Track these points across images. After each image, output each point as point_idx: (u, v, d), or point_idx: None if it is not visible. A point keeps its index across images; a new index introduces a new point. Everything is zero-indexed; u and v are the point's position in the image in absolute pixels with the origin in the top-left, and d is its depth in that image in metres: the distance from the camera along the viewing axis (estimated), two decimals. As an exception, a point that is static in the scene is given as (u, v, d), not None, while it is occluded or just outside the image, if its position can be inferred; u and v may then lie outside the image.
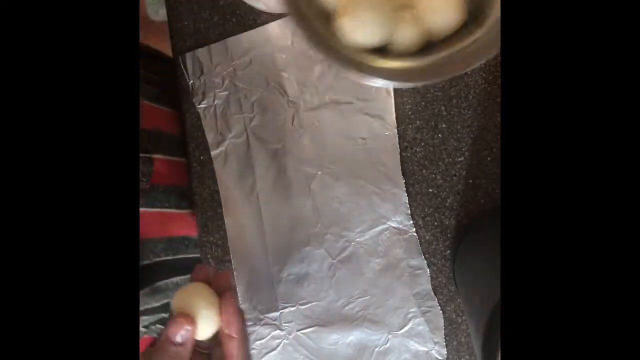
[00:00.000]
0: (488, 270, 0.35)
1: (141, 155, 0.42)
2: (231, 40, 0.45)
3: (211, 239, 0.47)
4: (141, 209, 0.43)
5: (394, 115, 0.44)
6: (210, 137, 0.46)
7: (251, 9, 0.45)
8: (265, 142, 0.45)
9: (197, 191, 0.47)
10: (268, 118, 0.45)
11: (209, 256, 0.47)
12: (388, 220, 0.44)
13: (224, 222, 0.47)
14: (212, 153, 0.46)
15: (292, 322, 0.46)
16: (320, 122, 0.45)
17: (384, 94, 0.44)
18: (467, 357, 0.44)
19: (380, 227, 0.45)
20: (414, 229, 0.44)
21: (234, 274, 0.46)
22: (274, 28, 0.45)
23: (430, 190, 0.44)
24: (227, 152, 0.46)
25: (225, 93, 0.45)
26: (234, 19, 0.46)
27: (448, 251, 0.44)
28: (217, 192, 0.47)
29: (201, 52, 0.45)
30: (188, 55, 0.46)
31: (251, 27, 0.45)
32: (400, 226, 0.44)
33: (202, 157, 0.47)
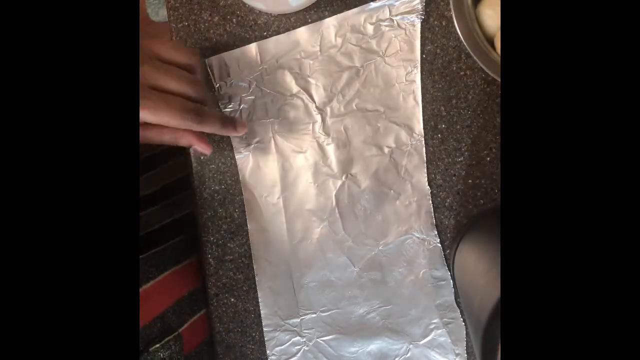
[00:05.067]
0: (488, 270, 0.36)
1: (171, 337, 0.43)
2: (259, 44, 0.45)
3: (211, 239, 0.47)
4: None
5: (422, 124, 0.43)
6: (235, 141, 0.46)
7: (251, 9, 0.45)
8: (291, 148, 0.45)
9: (197, 191, 0.47)
10: (294, 124, 0.45)
11: (209, 256, 0.47)
12: (412, 230, 0.44)
13: (224, 222, 0.47)
14: (237, 157, 0.46)
15: (312, 329, 0.46)
16: (347, 130, 0.44)
17: (411, 102, 0.43)
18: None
19: (404, 237, 0.44)
20: (438, 240, 0.44)
21: (256, 279, 0.46)
22: (302, 33, 0.44)
23: (430, 190, 0.44)
24: (252, 156, 0.46)
25: (252, 97, 0.45)
26: (234, 20, 0.46)
27: (448, 251, 0.44)
28: (218, 192, 0.47)
29: (228, 56, 0.45)
30: (214, 59, 0.45)
31: (251, 28, 0.45)
32: (425, 236, 0.44)
33: (202, 158, 0.47)
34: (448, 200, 0.44)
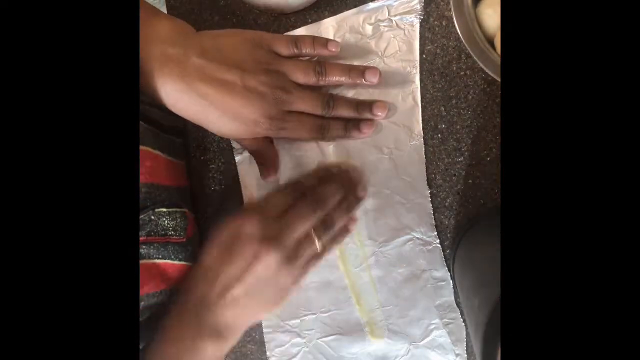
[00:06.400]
0: (488, 270, 0.36)
1: (178, 210, 0.40)
2: None
3: (211, 239, 0.47)
4: (181, 263, 0.41)
5: (421, 125, 0.43)
6: (234, 142, 0.46)
7: (251, 9, 0.45)
8: (290, 149, 0.45)
9: (197, 191, 0.47)
10: None
11: (209, 256, 0.47)
12: (412, 231, 0.44)
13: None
14: (237, 158, 0.46)
15: (312, 329, 0.46)
16: None
17: (410, 103, 0.43)
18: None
19: (404, 237, 0.44)
20: (438, 240, 0.44)
21: None
22: (302, 33, 0.44)
23: (430, 190, 0.44)
24: (251, 157, 0.45)
25: None
26: (234, 19, 0.46)
27: (448, 251, 0.44)
28: (217, 192, 0.47)
29: None
30: None
31: (251, 28, 0.45)
32: (425, 237, 0.44)
33: (202, 157, 0.47)
34: (448, 200, 0.44)
